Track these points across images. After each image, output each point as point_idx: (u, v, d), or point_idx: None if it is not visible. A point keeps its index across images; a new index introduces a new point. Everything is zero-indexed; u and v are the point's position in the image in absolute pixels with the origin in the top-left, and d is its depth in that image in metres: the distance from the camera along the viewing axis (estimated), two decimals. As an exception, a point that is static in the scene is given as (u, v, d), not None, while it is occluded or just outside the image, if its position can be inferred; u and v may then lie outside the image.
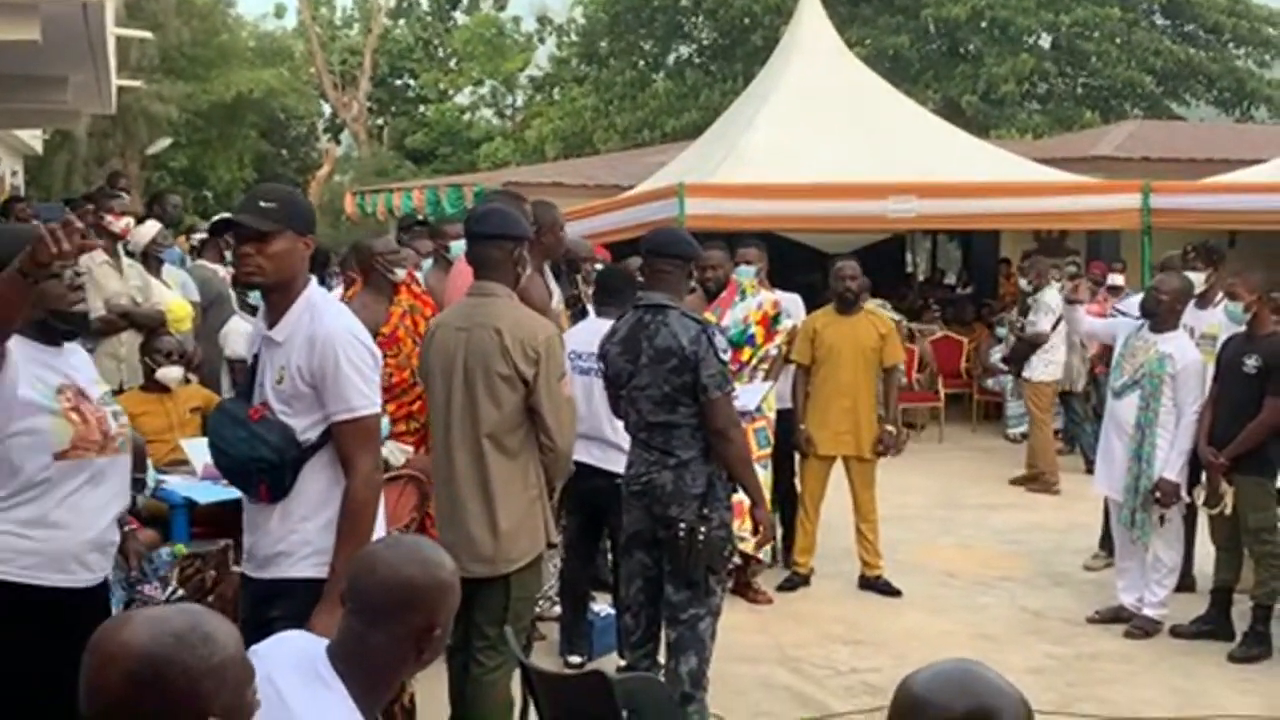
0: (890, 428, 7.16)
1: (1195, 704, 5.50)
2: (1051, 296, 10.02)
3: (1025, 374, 10.20)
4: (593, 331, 5.56)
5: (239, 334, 7.47)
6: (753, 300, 6.75)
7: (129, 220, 7.14)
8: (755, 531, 5.28)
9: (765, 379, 6.75)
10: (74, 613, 3.10)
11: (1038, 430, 10.11)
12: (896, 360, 7.25)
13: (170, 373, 6.39)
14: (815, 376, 7.10)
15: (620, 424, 4.98)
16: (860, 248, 13.70)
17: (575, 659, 5.74)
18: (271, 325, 3.41)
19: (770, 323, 6.74)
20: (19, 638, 3.10)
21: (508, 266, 4.31)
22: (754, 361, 6.66)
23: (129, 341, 6.85)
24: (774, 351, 6.76)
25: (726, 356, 4.68)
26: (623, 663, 4.93)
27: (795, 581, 7.08)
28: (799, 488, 7.21)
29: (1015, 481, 10.12)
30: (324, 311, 3.38)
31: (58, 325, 3.27)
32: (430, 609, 2.24)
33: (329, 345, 3.29)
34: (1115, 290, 10.17)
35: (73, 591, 3.20)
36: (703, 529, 4.51)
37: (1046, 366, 10.16)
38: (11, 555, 3.14)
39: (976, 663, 1.88)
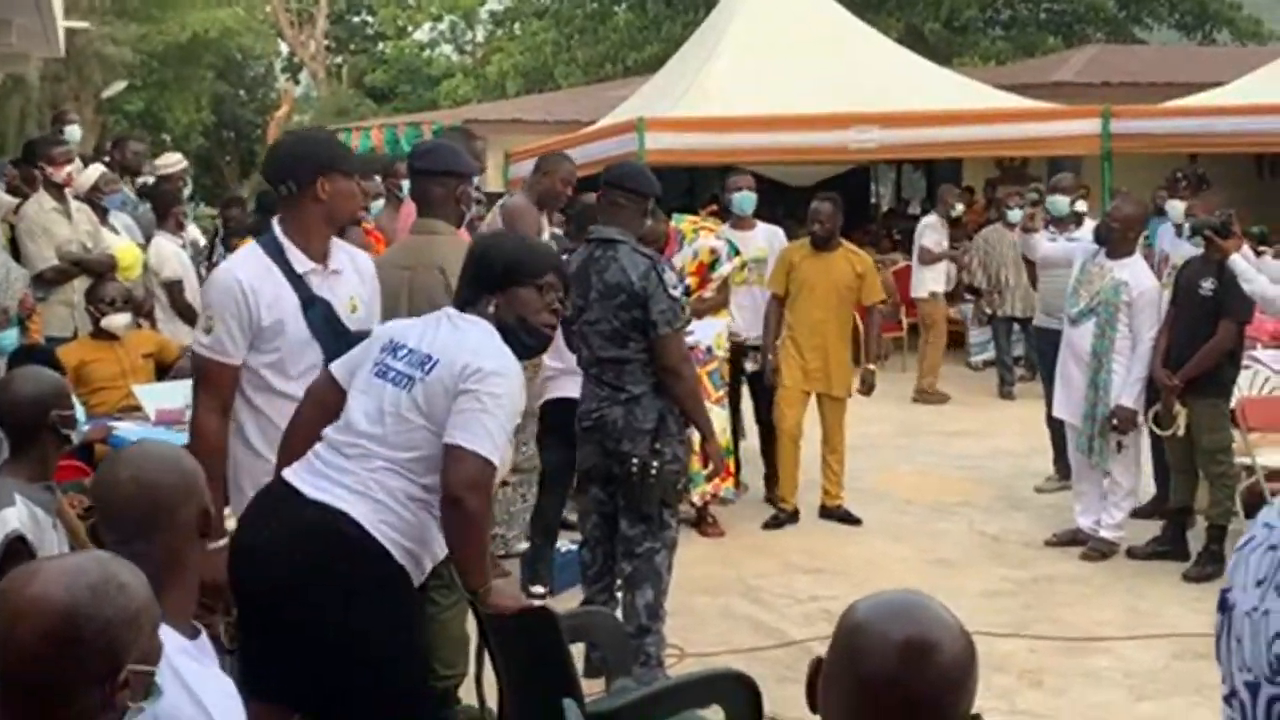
0: (871, 366, 7.15)
1: (1149, 623, 5.58)
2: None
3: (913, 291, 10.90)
4: None
5: (169, 255, 7.43)
6: (689, 249, 6.72)
7: (70, 169, 7.02)
8: (705, 465, 5.28)
9: (709, 318, 6.71)
10: None
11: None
12: (876, 298, 7.22)
13: (116, 320, 6.32)
14: (790, 311, 7.06)
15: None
16: (824, 179, 13.70)
17: (538, 589, 5.75)
18: (321, 260, 3.58)
19: (706, 269, 6.73)
20: None
21: (450, 203, 4.27)
22: (688, 311, 6.63)
23: (81, 288, 6.78)
24: (708, 296, 6.73)
25: (677, 292, 4.66)
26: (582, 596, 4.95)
27: (781, 519, 7.09)
28: (779, 423, 7.20)
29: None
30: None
31: None
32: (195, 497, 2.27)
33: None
34: (1077, 216, 10.18)
35: None
36: (655, 463, 4.51)
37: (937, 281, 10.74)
38: None
39: (921, 593, 1.88)
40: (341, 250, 3.70)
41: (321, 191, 3.56)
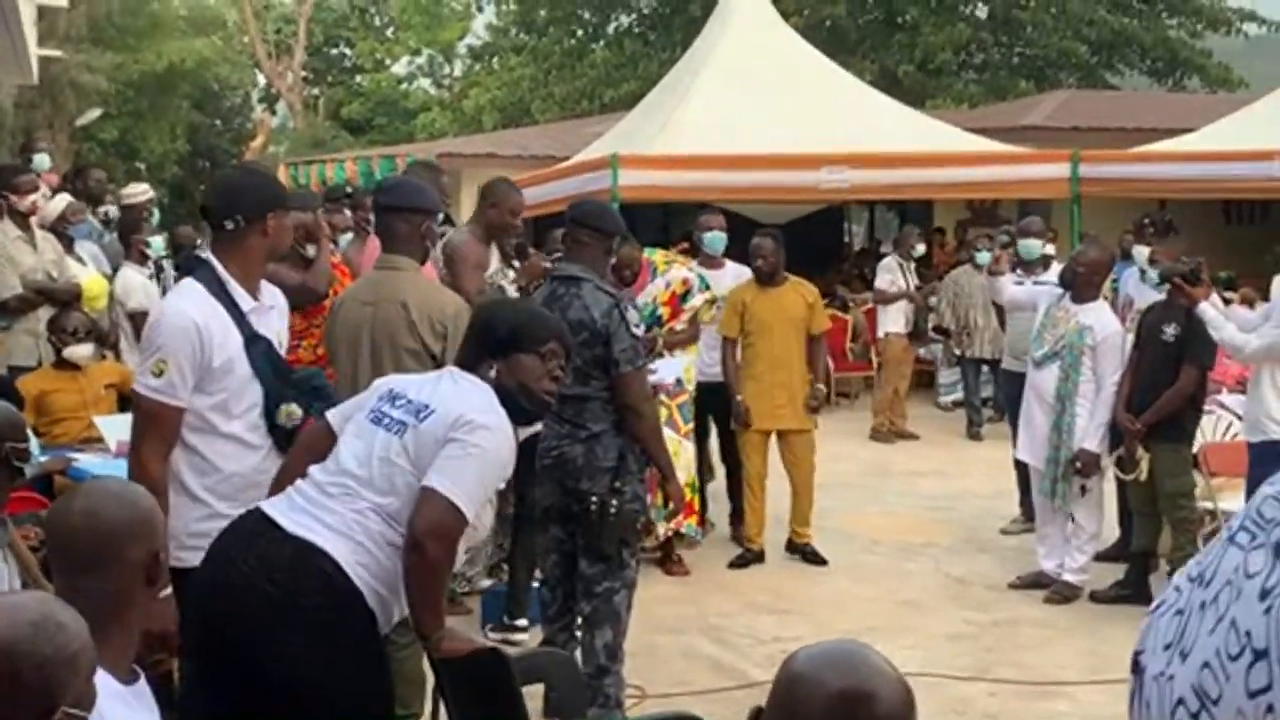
0: (820, 385, 7.18)
1: (1110, 667, 5.53)
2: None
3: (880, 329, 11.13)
4: None
5: (136, 286, 7.40)
6: (662, 280, 6.74)
7: (34, 198, 6.98)
8: (667, 506, 5.27)
9: (679, 352, 6.73)
10: None
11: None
12: (822, 328, 7.28)
13: (78, 351, 6.28)
14: (747, 350, 7.08)
15: None
16: (797, 218, 13.77)
17: (521, 623, 5.69)
18: (255, 297, 3.61)
19: (678, 300, 6.74)
20: None
21: (415, 240, 4.26)
22: (660, 342, 6.63)
23: (46, 317, 6.72)
24: (680, 328, 6.74)
25: (639, 331, 4.66)
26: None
27: (748, 558, 7.06)
28: (745, 465, 7.18)
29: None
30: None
31: None
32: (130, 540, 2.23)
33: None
34: (1045, 259, 10.25)
35: None
36: (614, 502, 4.49)
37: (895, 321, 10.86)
38: None
39: (862, 644, 1.88)
40: (265, 286, 3.69)
41: (269, 228, 3.55)
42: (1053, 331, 6.49)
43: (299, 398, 3.57)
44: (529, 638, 5.55)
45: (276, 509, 3.12)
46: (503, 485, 3.30)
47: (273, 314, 3.67)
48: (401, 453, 3.08)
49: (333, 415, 3.34)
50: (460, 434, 3.05)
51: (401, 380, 3.34)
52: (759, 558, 7.07)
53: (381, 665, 3.19)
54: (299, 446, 3.38)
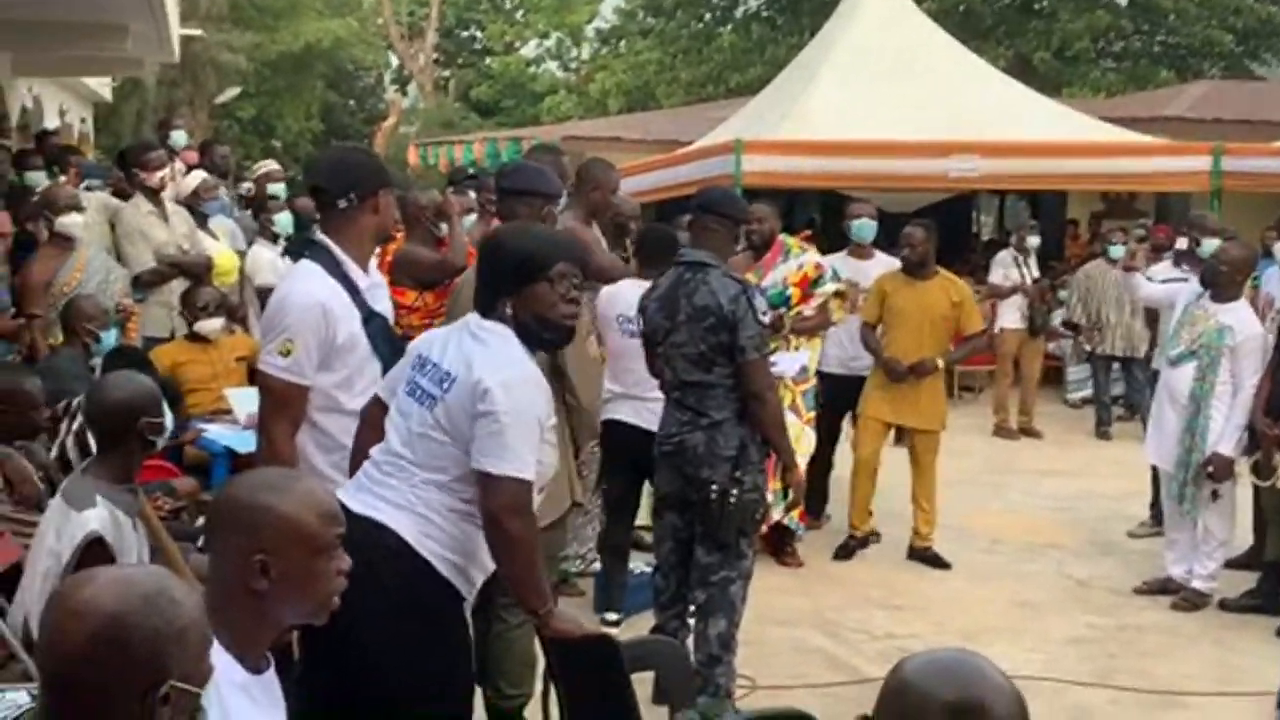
0: (939, 361, 6.87)
1: (1238, 679, 5.38)
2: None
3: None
4: (636, 293, 5.52)
5: (264, 263, 7.52)
6: (794, 261, 6.64)
7: (163, 174, 7.15)
8: (786, 495, 5.22)
9: (801, 347, 6.63)
10: None
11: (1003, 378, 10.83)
12: (975, 328, 7.03)
13: (209, 325, 6.44)
14: (883, 339, 6.94)
15: None
16: (924, 206, 13.53)
17: (611, 616, 5.73)
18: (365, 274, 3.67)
19: (810, 285, 6.61)
20: None
21: (534, 223, 4.25)
22: (788, 325, 6.54)
23: (178, 290, 6.91)
24: (808, 313, 6.64)
25: (766, 319, 4.61)
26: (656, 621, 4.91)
27: (851, 546, 6.98)
28: (852, 453, 7.08)
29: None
30: None
31: None
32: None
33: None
34: (1182, 254, 9.95)
35: None
36: (734, 491, 4.46)
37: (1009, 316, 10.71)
38: None
39: (974, 653, 1.83)
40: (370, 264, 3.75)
41: (379, 205, 3.59)
42: (1190, 330, 6.27)
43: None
44: (618, 632, 5.54)
45: (345, 493, 3.13)
46: (552, 420, 3.20)
47: (381, 291, 3.72)
48: (436, 426, 3.09)
49: (381, 389, 3.36)
50: (484, 405, 3.01)
51: (428, 340, 3.28)
52: (863, 544, 6.99)
53: (458, 639, 3.20)
54: (361, 427, 3.39)
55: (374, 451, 3.20)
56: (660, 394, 5.37)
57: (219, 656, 1.88)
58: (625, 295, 5.59)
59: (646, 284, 5.46)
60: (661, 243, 5.78)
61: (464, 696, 3.25)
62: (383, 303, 3.69)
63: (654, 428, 5.31)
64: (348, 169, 3.69)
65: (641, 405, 5.47)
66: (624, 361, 5.50)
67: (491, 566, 3.16)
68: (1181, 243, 10.21)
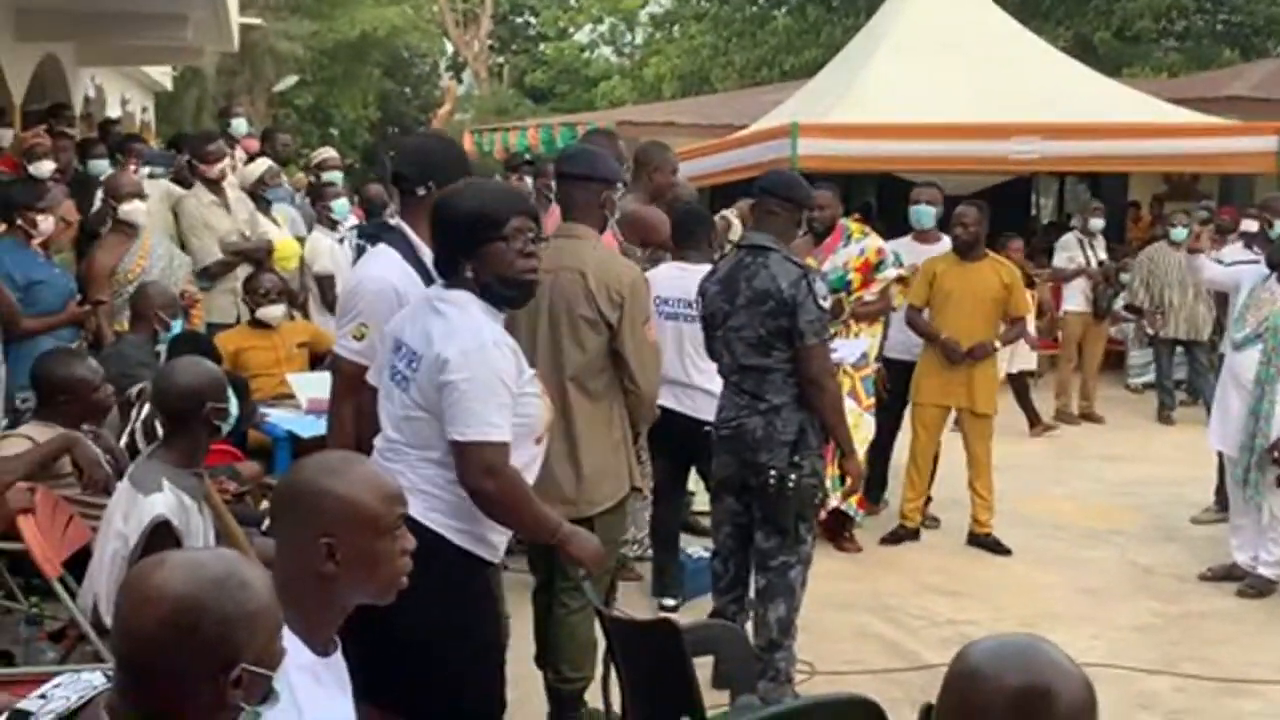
0: (997, 343, 6.87)
1: (1308, 668, 5.30)
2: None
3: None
4: (676, 277, 5.52)
5: (323, 250, 7.59)
6: (856, 246, 6.60)
7: (222, 166, 7.22)
8: (843, 482, 5.20)
9: (861, 333, 6.59)
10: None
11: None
12: (1022, 311, 6.97)
13: (271, 311, 6.51)
14: (934, 322, 6.89)
15: (705, 368, 4.92)
16: (983, 189, 13.39)
17: (669, 601, 5.74)
18: None
19: (871, 270, 6.57)
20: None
21: (594, 208, 4.26)
22: (848, 310, 6.51)
23: (243, 276, 6.98)
24: (870, 298, 6.60)
25: (826, 304, 4.58)
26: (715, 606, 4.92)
27: (901, 535, 6.94)
28: (911, 440, 7.04)
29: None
30: None
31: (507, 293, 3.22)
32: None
33: None
34: (1253, 237, 9.79)
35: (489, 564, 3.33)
36: (793, 476, 4.44)
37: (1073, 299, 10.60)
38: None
39: (1042, 639, 1.81)
40: None
41: None
42: (1256, 313, 6.18)
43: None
44: (678, 617, 5.54)
45: None
46: (528, 373, 3.21)
47: None
48: (414, 405, 3.13)
49: (372, 375, 3.41)
50: (444, 376, 3.04)
51: (399, 321, 3.28)
52: (913, 535, 6.94)
53: (488, 603, 3.28)
54: (362, 415, 3.46)
55: (377, 442, 3.26)
56: (697, 380, 5.38)
57: (287, 639, 1.89)
58: (663, 279, 5.58)
59: (687, 267, 5.48)
60: (695, 223, 5.78)
61: (497, 663, 3.30)
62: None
63: (695, 414, 5.33)
64: (428, 158, 3.72)
65: (681, 391, 5.47)
66: (668, 343, 5.52)
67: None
68: (1250, 225, 10.08)
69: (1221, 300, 7.82)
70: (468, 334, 3.09)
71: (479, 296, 3.16)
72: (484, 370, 3.05)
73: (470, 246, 3.14)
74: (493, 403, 3.05)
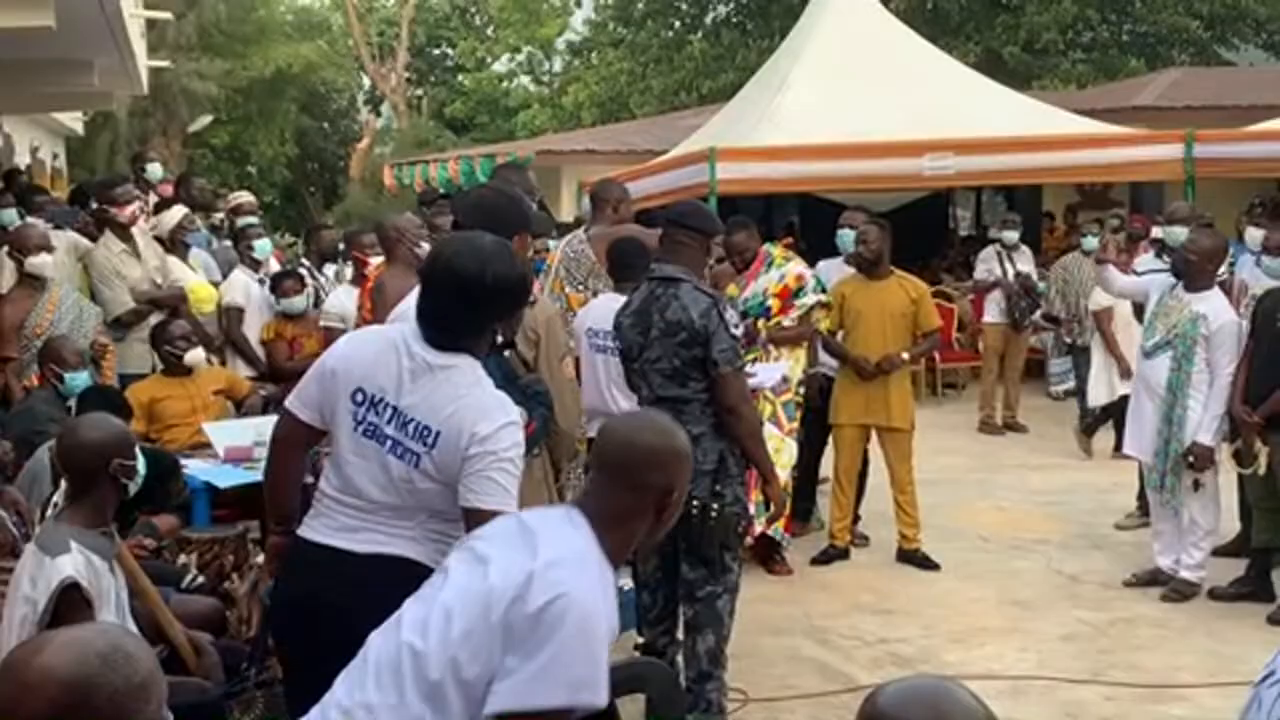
0: (905, 354, 6.88)
1: (1231, 669, 5.36)
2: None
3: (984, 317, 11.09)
4: (609, 308, 5.50)
5: (239, 284, 7.58)
6: (776, 272, 6.66)
7: (133, 209, 7.13)
8: (768, 507, 5.20)
9: (782, 357, 6.62)
10: None
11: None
12: (932, 325, 7.05)
13: (195, 355, 6.44)
14: (845, 343, 6.96)
15: (628, 398, 4.91)
16: (902, 205, 13.56)
17: None
18: None
19: (790, 295, 6.62)
20: None
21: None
22: (763, 335, 6.54)
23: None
24: (788, 323, 6.64)
25: (738, 331, 4.60)
26: (641, 640, 4.89)
27: (831, 555, 6.96)
28: (834, 460, 7.08)
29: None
30: None
31: None
32: (668, 472, 2.53)
33: None
34: (1158, 243, 9.97)
35: None
36: (715, 505, 4.44)
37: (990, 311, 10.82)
38: None
39: (951, 680, 1.82)
40: None
41: (514, 246, 3.58)
42: (1165, 321, 6.28)
43: (524, 401, 3.64)
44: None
45: (330, 535, 3.10)
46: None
47: None
48: (424, 478, 3.04)
49: (300, 409, 3.19)
50: (477, 447, 2.97)
51: (364, 372, 3.10)
52: (843, 554, 6.96)
53: None
54: (282, 448, 3.31)
55: (336, 494, 3.13)
56: (619, 410, 5.37)
57: (604, 566, 2.43)
58: (596, 310, 5.59)
59: (621, 299, 5.46)
60: (633, 255, 5.78)
61: None
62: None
63: None
64: (484, 211, 3.80)
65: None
66: (594, 376, 5.51)
67: None
68: (1158, 232, 10.27)
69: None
70: (501, 406, 3.06)
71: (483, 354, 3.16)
72: (514, 440, 3.04)
73: (512, 310, 3.20)
74: (515, 472, 3.03)
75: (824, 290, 6.85)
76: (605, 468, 2.55)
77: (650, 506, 2.52)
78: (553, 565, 2.36)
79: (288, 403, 3.28)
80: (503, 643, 2.32)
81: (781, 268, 6.71)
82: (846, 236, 7.53)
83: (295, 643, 3.16)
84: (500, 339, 3.23)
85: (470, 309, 3.09)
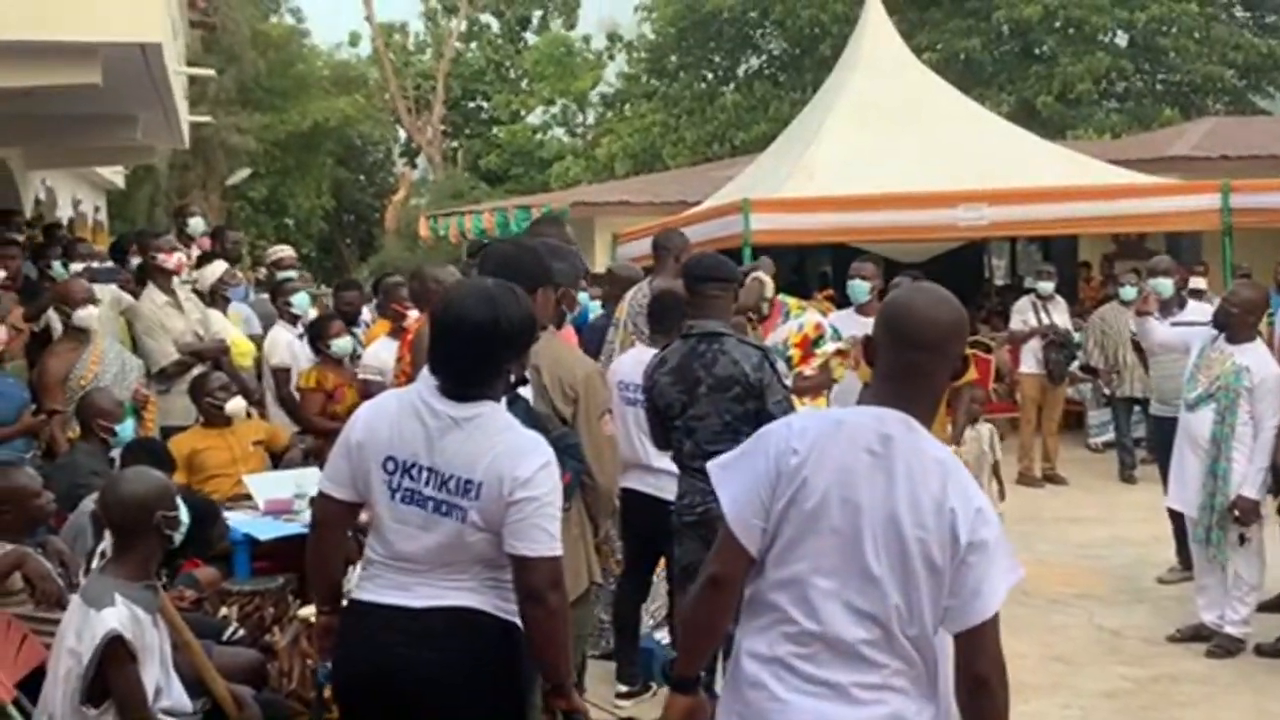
0: (956, 447, 6.96)
1: (1279, 728, 5.30)
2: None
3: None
4: (640, 361, 5.50)
5: (281, 344, 7.58)
6: (794, 322, 6.66)
7: (180, 256, 7.22)
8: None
9: (805, 405, 6.61)
10: None
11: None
12: (966, 379, 6.99)
13: (237, 404, 6.47)
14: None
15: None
16: (936, 255, 13.55)
17: (621, 688, 5.65)
18: None
19: (810, 345, 6.62)
20: None
21: (548, 308, 4.28)
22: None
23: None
24: (809, 373, 6.63)
25: (788, 382, 4.61)
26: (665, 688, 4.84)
27: None
28: None
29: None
30: None
31: None
32: (962, 336, 2.66)
33: None
34: (1197, 294, 9.92)
35: None
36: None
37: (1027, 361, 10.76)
38: None
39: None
40: None
41: (536, 301, 3.64)
42: (1207, 373, 6.23)
43: (556, 456, 3.62)
44: (643, 705, 5.48)
45: (388, 594, 3.09)
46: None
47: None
48: (473, 530, 3.04)
49: (333, 488, 3.20)
50: (519, 493, 2.99)
51: (390, 440, 3.10)
52: None
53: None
54: (324, 529, 3.30)
55: (387, 559, 3.12)
56: (655, 461, 5.33)
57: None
58: (627, 363, 5.59)
59: (650, 351, 5.47)
60: (674, 309, 5.78)
61: None
62: (526, 388, 3.69)
63: (659, 493, 5.28)
64: (510, 265, 3.82)
65: (644, 471, 5.44)
66: (625, 427, 5.50)
67: None
68: (1199, 282, 10.21)
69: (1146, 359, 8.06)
70: (535, 447, 3.08)
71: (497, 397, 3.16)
72: (553, 480, 3.06)
73: (524, 350, 3.21)
74: (556, 514, 3.05)
75: (839, 337, 6.85)
76: (911, 347, 2.64)
77: (948, 374, 2.66)
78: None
79: (321, 485, 3.29)
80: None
81: (799, 317, 6.72)
82: (859, 287, 7.55)
83: (369, 707, 3.14)
84: (514, 378, 3.21)
85: (486, 353, 3.10)
